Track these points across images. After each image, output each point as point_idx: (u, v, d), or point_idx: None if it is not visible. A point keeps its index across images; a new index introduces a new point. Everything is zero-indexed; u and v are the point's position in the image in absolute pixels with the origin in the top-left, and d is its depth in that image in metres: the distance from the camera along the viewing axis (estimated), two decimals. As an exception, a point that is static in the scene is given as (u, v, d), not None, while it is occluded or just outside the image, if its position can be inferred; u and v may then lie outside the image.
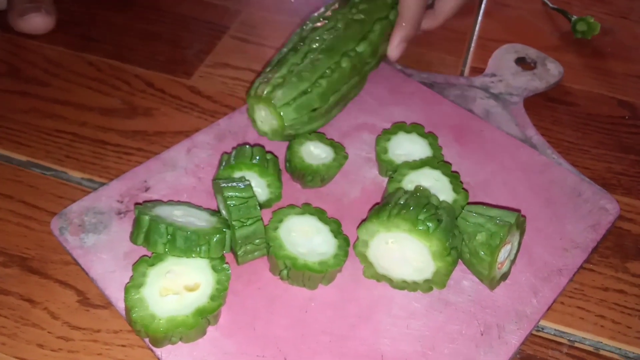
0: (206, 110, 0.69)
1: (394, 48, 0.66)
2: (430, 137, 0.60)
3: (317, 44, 0.61)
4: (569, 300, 0.55)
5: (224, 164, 0.55)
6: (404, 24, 0.65)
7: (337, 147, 0.59)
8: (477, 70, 0.77)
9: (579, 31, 0.81)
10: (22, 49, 0.76)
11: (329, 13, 0.64)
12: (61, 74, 0.73)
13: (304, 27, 0.64)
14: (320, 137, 0.60)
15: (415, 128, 0.61)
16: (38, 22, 0.73)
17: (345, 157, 0.59)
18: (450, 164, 0.57)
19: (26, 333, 0.50)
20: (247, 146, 0.56)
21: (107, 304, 0.52)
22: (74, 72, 0.73)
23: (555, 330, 0.53)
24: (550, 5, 0.86)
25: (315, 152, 0.59)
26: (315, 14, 0.65)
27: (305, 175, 0.57)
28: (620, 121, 0.72)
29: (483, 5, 0.88)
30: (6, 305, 0.52)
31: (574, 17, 0.82)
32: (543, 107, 0.71)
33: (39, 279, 0.54)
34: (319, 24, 0.63)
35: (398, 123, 0.62)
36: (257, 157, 0.54)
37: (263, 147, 0.57)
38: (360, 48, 0.62)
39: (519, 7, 0.88)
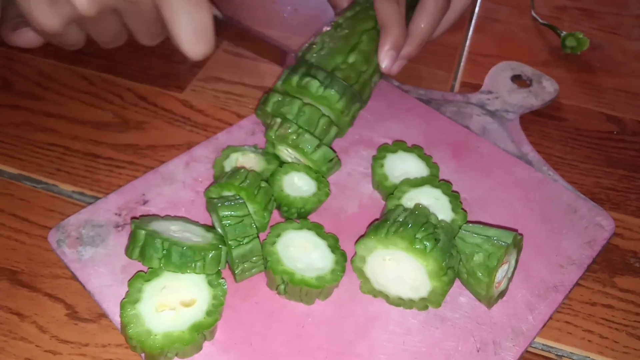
0: (198, 124, 0.69)
1: (383, 58, 0.64)
2: (428, 159, 0.61)
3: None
4: (557, 315, 0.55)
5: (217, 178, 0.55)
6: (387, 33, 0.64)
7: (322, 182, 0.58)
8: (468, 85, 0.77)
9: (569, 46, 0.82)
10: (15, 62, 0.76)
11: (317, 39, 0.65)
12: (54, 88, 0.72)
13: (297, 56, 0.64)
14: (308, 169, 0.59)
15: (414, 150, 0.61)
16: (30, 36, 0.73)
17: (327, 194, 0.58)
18: (451, 184, 0.57)
19: (14, 347, 0.50)
20: (243, 169, 0.55)
21: (96, 318, 0.52)
22: (66, 86, 0.73)
23: (543, 345, 0.53)
24: (540, 21, 0.87)
25: (298, 184, 0.58)
26: (307, 44, 0.65)
27: (281, 205, 0.56)
28: (608, 136, 0.72)
29: (473, 21, 0.88)
30: (-5, 319, 0.51)
31: (564, 33, 0.82)
32: (532, 122, 0.72)
33: (28, 293, 0.53)
34: (308, 50, 0.64)
35: (387, 146, 0.61)
36: (248, 182, 0.54)
37: (259, 176, 0.56)
38: (351, 59, 0.62)
39: (509, 23, 0.89)
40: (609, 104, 0.76)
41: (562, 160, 0.68)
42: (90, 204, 0.59)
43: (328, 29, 0.65)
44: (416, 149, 0.61)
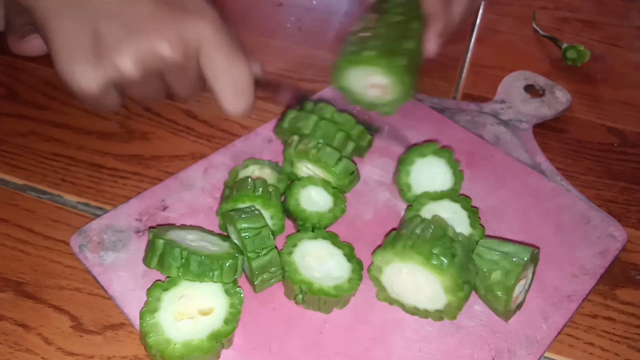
0: (202, 135, 0.69)
1: (430, 45, 0.67)
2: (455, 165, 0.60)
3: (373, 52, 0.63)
4: (558, 328, 0.55)
5: (226, 197, 0.55)
6: (432, 20, 0.66)
7: (338, 198, 0.58)
8: (470, 97, 0.77)
9: (569, 58, 0.82)
10: (21, 72, 0.75)
11: (370, 24, 0.66)
12: (59, 97, 0.72)
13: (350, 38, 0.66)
14: (326, 184, 0.59)
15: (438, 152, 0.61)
16: (37, 43, 0.72)
17: (343, 211, 0.58)
18: (470, 198, 0.57)
19: (20, 359, 0.49)
20: (249, 178, 0.56)
21: (101, 330, 0.52)
22: (72, 95, 0.72)
23: (545, 357, 0.53)
24: (541, 32, 0.87)
25: (315, 198, 0.58)
26: (357, 27, 0.67)
27: (296, 219, 0.56)
28: (609, 148, 0.72)
29: (475, 32, 0.89)
30: (0, 330, 0.51)
31: (565, 45, 0.83)
32: (534, 134, 0.71)
33: (33, 304, 0.53)
34: (367, 34, 0.65)
35: (417, 147, 0.61)
36: (260, 189, 0.54)
37: (265, 180, 0.57)
38: (406, 45, 0.64)
39: (511, 34, 0.89)
40: (610, 116, 0.76)
41: (563, 172, 0.68)
42: (95, 214, 0.60)
43: (372, 17, 0.67)
44: (447, 153, 0.60)
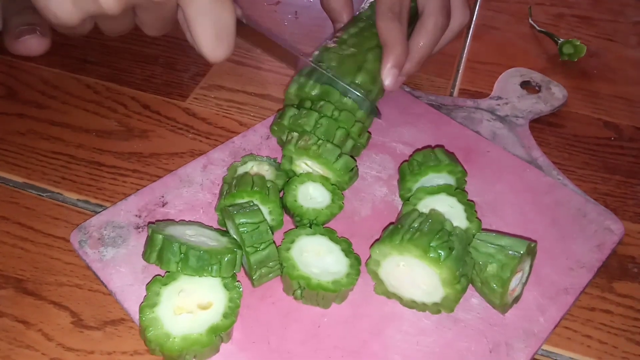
0: (201, 132, 0.69)
1: (386, 76, 0.63)
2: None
3: (315, 90, 0.61)
4: (555, 321, 0.55)
5: (225, 193, 0.55)
6: (390, 51, 0.63)
7: (336, 194, 0.58)
8: (466, 93, 0.77)
9: (566, 54, 0.82)
10: (20, 71, 0.75)
11: (323, 56, 0.64)
12: (58, 96, 0.73)
13: (301, 74, 0.63)
14: (325, 180, 0.59)
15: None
16: (34, 43, 0.73)
17: (340, 208, 0.58)
18: (467, 192, 0.57)
19: (20, 355, 0.50)
20: (247, 174, 0.56)
21: (101, 326, 0.52)
22: (71, 94, 0.73)
23: (542, 350, 0.53)
24: (538, 28, 0.88)
25: (313, 195, 0.58)
26: (310, 59, 0.64)
27: (293, 215, 0.57)
28: (605, 142, 0.72)
29: (472, 29, 0.89)
30: (0, 327, 0.51)
31: (561, 40, 0.83)
32: (530, 128, 0.71)
33: (33, 301, 0.53)
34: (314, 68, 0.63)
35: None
36: (259, 185, 0.54)
37: (263, 177, 0.57)
38: (359, 79, 0.62)
39: (507, 30, 0.89)
40: (606, 111, 0.77)
41: (559, 167, 0.68)
42: (95, 212, 0.60)
43: (333, 45, 0.65)
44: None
